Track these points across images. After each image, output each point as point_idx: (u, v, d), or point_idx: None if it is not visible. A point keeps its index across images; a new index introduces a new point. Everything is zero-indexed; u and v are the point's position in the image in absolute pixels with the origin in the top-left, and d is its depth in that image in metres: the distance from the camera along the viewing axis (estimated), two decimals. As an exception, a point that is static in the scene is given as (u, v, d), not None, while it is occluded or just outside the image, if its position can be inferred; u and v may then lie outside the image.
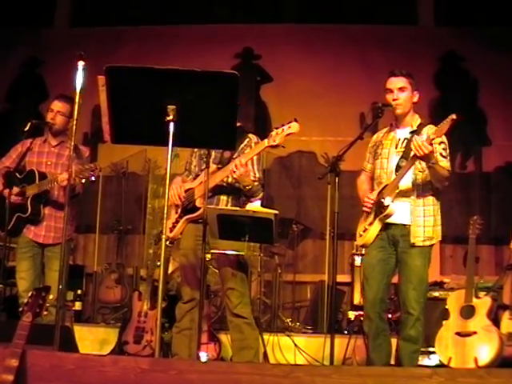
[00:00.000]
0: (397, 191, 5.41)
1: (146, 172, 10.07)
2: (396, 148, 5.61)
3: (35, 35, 11.26)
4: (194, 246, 5.66)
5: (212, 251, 5.46)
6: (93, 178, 5.93)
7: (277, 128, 5.34)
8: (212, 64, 9.33)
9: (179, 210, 5.77)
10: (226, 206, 5.71)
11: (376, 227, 5.49)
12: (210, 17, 11.13)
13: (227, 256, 5.57)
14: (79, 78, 4.95)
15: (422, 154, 5.17)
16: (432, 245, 5.56)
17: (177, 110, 4.26)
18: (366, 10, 10.69)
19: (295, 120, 5.31)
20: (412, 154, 5.34)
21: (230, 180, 5.64)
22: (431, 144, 5.18)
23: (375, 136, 5.88)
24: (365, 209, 5.60)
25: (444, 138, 5.49)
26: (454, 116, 5.14)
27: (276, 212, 5.30)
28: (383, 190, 5.48)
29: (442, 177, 5.44)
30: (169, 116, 4.26)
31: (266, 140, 5.39)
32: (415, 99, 5.64)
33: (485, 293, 6.63)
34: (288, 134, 5.30)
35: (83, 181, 5.97)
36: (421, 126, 5.59)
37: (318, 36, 10.78)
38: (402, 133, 5.65)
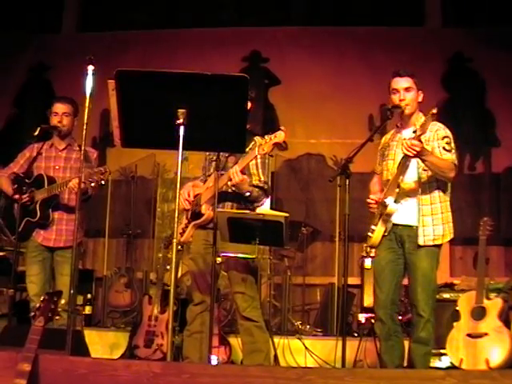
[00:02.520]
0: (397, 190, 5.38)
1: (155, 176, 10.09)
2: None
3: (43, 40, 11.31)
4: (202, 250, 5.67)
5: (222, 255, 5.47)
6: (103, 182, 5.93)
7: (266, 136, 5.37)
8: (220, 68, 9.37)
9: (188, 215, 5.78)
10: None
11: (380, 227, 5.47)
12: (218, 20, 11.13)
13: (236, 259, 5.57)
14: (89, 83, 4.94)
15: (414, 153, 5.17)
16: (441, 244, 5.52)
17: (187, 113, 4.26)
18: (373, 12, 10.69)
19: (280, 129, 5.33)
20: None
21: (229, 188, 5.65)
22: (420, 140, 5.17)
23: (383, 138, 5.88)
24: (371, 207, 5.60)
25: (448, 133, 5.51)
26: (434, 111, 5.14)
27: (286, 215, 5.30)
28: (387, 190, 5.48)
29: (443, 168, 5.38)
30: (179, 120, 4.25)
31: (255, 149, 5.40)
32: (420, 99, 5.62)
33: (495, 294, 6.60)
34: (275, 143, 5.33)
35: (93, 184, 5.96)
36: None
37: (326, 39, 10.78)
38: (407, 133, 5.61)
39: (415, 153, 5.16)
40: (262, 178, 5.74)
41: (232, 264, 5.72)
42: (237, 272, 5.68)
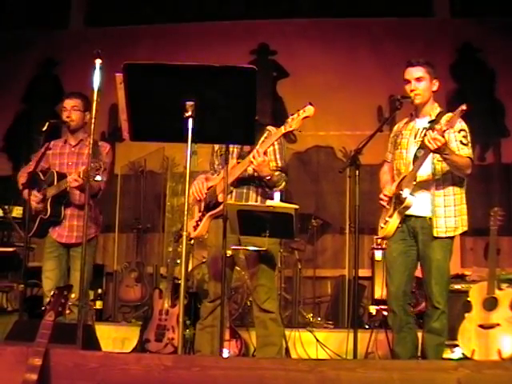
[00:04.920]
0: (414, 182, 5.36)
1: (164, 170, 10.10)
2: (415, 138, 5.56)
3: (50, 36, 11.30)
4: (219, 242, 5.63)
5: (233, 247, 5.46)
6: (98, 178, 5.88)
7: (292, 114, 5.34)
8: (228, 61, 9.23)
9: (202, 207, 5.75)
10: (256, 199, 5.69)
11: (395, 219, 5.45)
12: (225, 14, 11.11)
13: (257, 252, 5.55)
14: (97, 76, 4.93)
15: (435, 147, 5.12)
16: (454, 236, 5.49)
17: (195, 106, 4.24)
18: (382, 3, 10.65)
19: (310, 103, 5.30)
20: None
21: (250, 171, 5.63)
22: (443, 136, 5.13)
23: (396, 126, 5.83)
24: (382, 203, 5.57)
25: (464, 126, 5.45)
26: (463, 107, 5.09)
27: (296, 207, 5.28)
28: (401, 182, 5.44)
29: (462, 165, 5.36)
30: (187, 112, 4.23)
31: (282, 127, 5.39)
32: (434, 88, 5.58)
33: (507, 284, 6.57)
34: (304, 118, 5.31)
35: (95, 178, 5.94)
36: (440, 115, 5.53)
37: (333, 30, 10.76)
38: (422, 122, 5.60)
39: (436, 147, 5.11)
40: (280, 164, 5.72)
41: (253, 257, 5.70)
42: (258, 264, 5.66)
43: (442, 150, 5.16)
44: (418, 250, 5.49)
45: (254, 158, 5.38)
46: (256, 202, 5.69)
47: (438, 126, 5.24)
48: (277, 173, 5.65)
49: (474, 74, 10.45)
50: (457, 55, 10.49)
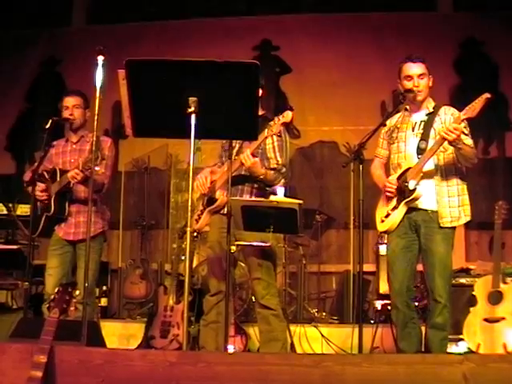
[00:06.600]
0: (421, 174, 5.36)
1: (168, 167, 10.08)
2: (413, 131, 5.57)
3: (53, 34, 11.30)
4: (219, 238, 5.65)
5: (237, 243, 5.46)
6: (97, 168, 5.87)
7: (275, 117, 5.43)
8: (231, 57, 9.25)
9: (204, 202, 5.78)
10: (250, 196, 5.72)
11: (401, 212, 5.44)
12: (228, 10, 11.11)
13: (253, 247, 5.56)
14: (99, 73, 4.93)
15: (454, 137, 5.11)
16: (455, 227, 5.49)
17: (198, 101, 4.24)
18: (384, -3, 10.66)
19: (289, 108, 5.44)
20: (438, 137, 5.29)
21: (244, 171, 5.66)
22: (460, 124, 5.13)
23: (388, 122, 5.79)
24: (388, 194, 5.55)
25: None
26: (488, 95, 5.07)
27: (300, 202, 5.29)
28: (406, 174, 5.42)
29: (471, 155, 5.37)
30: (190, 108, 4.23)
31: (265, 130, 5.43)
32: (430, 83, 5.60)
33: (512, 278, 6.57)
34: (283, 123, 5.41)
35: (88, 172, 5.92)
36: (436, 108, 5.56)
37: (336, 25, 10.76)
38: (418, 116, 5.61)
39: (455, 137, 5.11)
40: (280, 161, 5.74)
41: (249, 252, 5.72)
42: (254, 258, 5.68)
43: (458, 140, 5.16)
44: (420, 244, 5.48)
45: (244, 160, 5.43)
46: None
47: (449, 114, 5.29)
48: (271, 172, 5.68)
49: (477, 68, 10.42)
50: (460, 49, 10.47)
